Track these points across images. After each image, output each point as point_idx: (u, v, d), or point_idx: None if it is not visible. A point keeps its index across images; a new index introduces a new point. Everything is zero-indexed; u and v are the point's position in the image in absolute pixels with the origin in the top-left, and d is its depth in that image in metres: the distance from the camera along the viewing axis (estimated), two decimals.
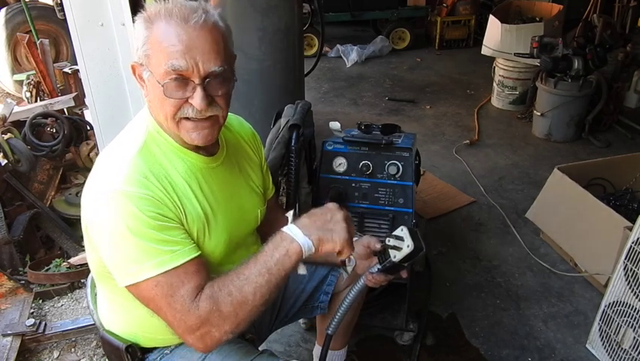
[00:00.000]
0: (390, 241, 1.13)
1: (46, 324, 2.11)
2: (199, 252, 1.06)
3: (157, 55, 1.01)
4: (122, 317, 1.20)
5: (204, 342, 1.01)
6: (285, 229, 1.05)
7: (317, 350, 1.83)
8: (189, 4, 1.03)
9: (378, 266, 1.16)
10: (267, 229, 1.40)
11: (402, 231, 1.12)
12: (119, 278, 1.02)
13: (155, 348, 1.22)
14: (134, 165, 1.04)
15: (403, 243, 1.11)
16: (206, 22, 1.01)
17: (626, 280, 1.79)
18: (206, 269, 1.06)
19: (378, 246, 1.21)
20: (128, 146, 1.08)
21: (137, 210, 0.98)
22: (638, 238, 1.72)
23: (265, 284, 1.00)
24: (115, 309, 1.21)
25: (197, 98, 1.02)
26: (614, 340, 1.87)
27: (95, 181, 1.05)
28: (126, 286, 1.02)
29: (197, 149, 1.14)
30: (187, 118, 1.05)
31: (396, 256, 1.12)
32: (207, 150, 1.17)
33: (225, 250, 1.17)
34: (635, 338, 1.77)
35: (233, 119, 1.34)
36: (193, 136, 1.07)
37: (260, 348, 1.30)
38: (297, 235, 1.03)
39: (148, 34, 1.02)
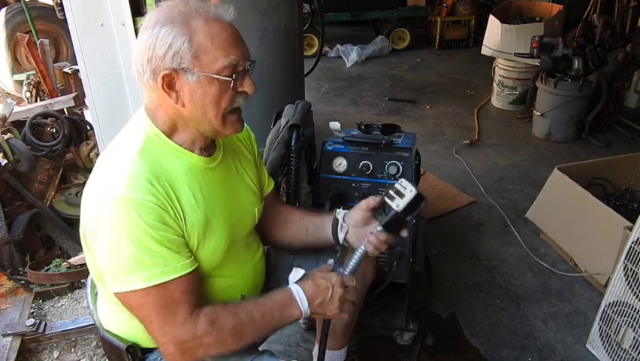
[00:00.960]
0: (391, 192, 1.13)
1: (46, 324, 2.11)
2: (194, 266, 1.07)
3: (210, 53, 1.01)
4: (122, 318, 1.20)
5: (184, 356, 1.04)
6: (295, 293, 1.14)
7: (317, 350, 1.83)
8: (204, 3, 1.06)
9: (380, 225, 1.17)
10: (269, 223, 1.40)
11: (401, 183, 1.13)
12: (110, 284, 1.03)
13: (155, 348, 1.21)
14: (136, 167, 1.03)
15: (405, 190, 1.12)
16: (226, 18, 1.07)
17: (626, 280, 1.79)
18: (197, 285, 1.08)
19: (377, 199, 1.23)
20: (128, 147, 1.07)
21: (139, 219, 0.98)
22: (638, 238, 1.72)
23: (262, 330, 1.13)
24: (114, 310, 1.20)
25: (249, 84, 1.08)
26: (614, 340, 1.87)
27: (96, 184, 1.04)
28: (115, 293, 1.03)
29: (200, 152, 1.15)
30: (235, 109, 1.10)
31: (399, 205, 1.12)
32: (207, 150, 1.17)
33: (225, 250, 1.17)
34: (635, 338, 1.77)
35: None
36: (237, 125, 1.13)
37: (260, 348, 1.30)
38: (303, 303, 1.13)
39: (188, 35, 1.00)
